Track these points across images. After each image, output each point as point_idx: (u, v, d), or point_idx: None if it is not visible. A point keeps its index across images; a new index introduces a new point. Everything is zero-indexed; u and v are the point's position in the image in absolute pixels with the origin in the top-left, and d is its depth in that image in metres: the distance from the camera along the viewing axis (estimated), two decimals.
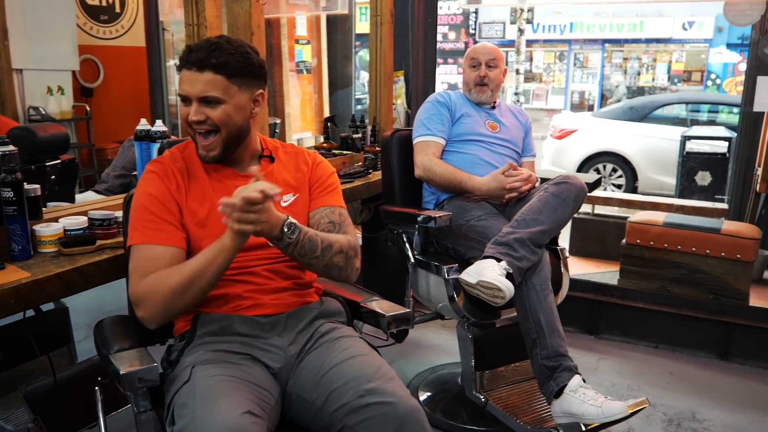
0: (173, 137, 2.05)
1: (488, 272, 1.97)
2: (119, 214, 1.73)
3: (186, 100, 1.47)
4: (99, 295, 2.29)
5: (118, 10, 5.17)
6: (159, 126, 2.03)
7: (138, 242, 1.44)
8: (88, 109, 4.77)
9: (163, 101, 5.04)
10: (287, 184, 1.61)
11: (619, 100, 15.08)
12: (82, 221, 1.71)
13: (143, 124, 2.04)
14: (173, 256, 1.44)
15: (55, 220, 1.72)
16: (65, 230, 1.68)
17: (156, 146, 1.99)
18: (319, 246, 1.46)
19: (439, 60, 14.98)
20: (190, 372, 1.36)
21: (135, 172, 2.48)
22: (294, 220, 1.39)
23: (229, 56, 1.44)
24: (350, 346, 1.49)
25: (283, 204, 1.58)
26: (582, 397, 1.90)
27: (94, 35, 5.03)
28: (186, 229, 1.49)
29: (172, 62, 5.01)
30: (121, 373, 1.28)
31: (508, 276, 1.98)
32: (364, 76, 11.42)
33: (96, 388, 1.45)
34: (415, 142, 2.49)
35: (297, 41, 4.97)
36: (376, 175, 2.88)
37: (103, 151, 4.74)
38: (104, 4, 5.09)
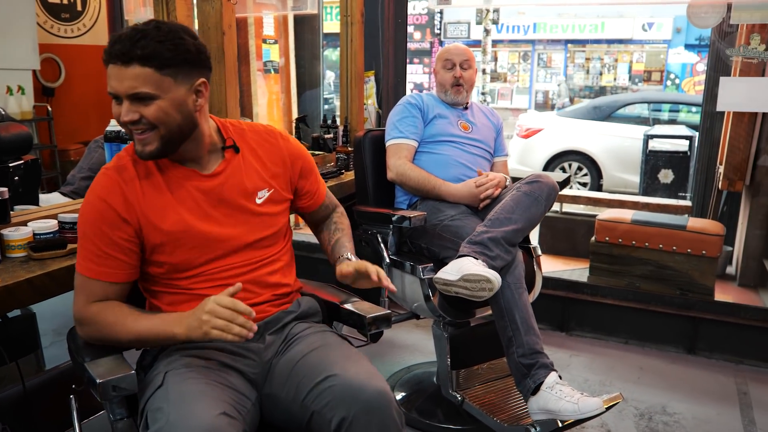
0: None
1: (471, 266, 1.98)
2: None
3: (116, 98, 1.31)
4: (65, 300, 2.23)
5: (79, 8, 5.05)
6: None
7: (80, 272, 1.38)
8: (50, 109, 4.65)
9: None
10: (259, 178, 1.51)
11: (569, 100, 15.37)
12: (52, 225, 1.67)
13: (113, 125, 1.99)
14: (116, 291, 1.39)
15: (24, 224, 1.67)
16: (35, 234, 1.64)
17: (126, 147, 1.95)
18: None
19: None
20: (163, 377, 1.34)
21: None
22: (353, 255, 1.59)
23: (158, 45, 1.27)
24: (320, 339, 1.49)
25: (258, 201, 1.49)
26: (558, 394, 1.92)
27: (55, 34, 4.91)
28: (144, 247, 1.40)
29: None
30: (97, 381, 1.24)
31: None
32: (329, 76, 11.38)
33: (71, 396, 1.41)
34: (387, 144, 2.49)
35: (265, 41, 4.92)
36: (349, 176, 2.87)
37: (66, 152, 4.63)
38: (65, 2, 4.97)
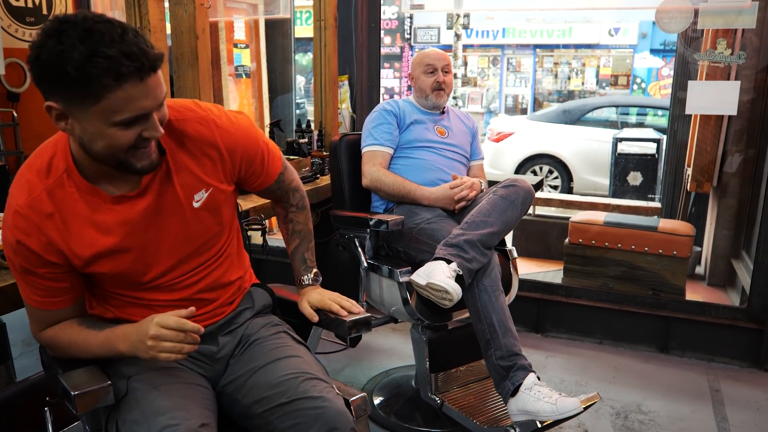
0: None
1: (437, 274, 1.98)
2: None
3: (142, 117, 1.12)
4: None
5: (45, 11, 4.96)
6: None
7: (26, 302, 1.31)
8: (15, 114, 4.55)
9: None
10: (195, 179, 1.33)
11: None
12: None
13: None
14: (66, 314, 1.33)
15: None
16: None
17: None
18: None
19: None
20: (126, 384, 1.30)
21: None
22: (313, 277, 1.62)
23: (149, 47, 1.11)
24: (278, 346, 1.47)
25: (195, 205, 1.33)
26: (537, 395, 1.94)
27: (19, 38, 4.80)
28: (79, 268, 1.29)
29: None
30: (72, 394, 1.22)
31: (458, 278, 2.00)
32: (299, 81, 11.35)
33: (45, 408, 1.38)
34: (363, 151, 2.49)
35: (236, 45, 4.89)
36: (325, 180, 2.86)
37: None
38: (30, 5, 4.87)
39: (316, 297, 1.60)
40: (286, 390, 1.34)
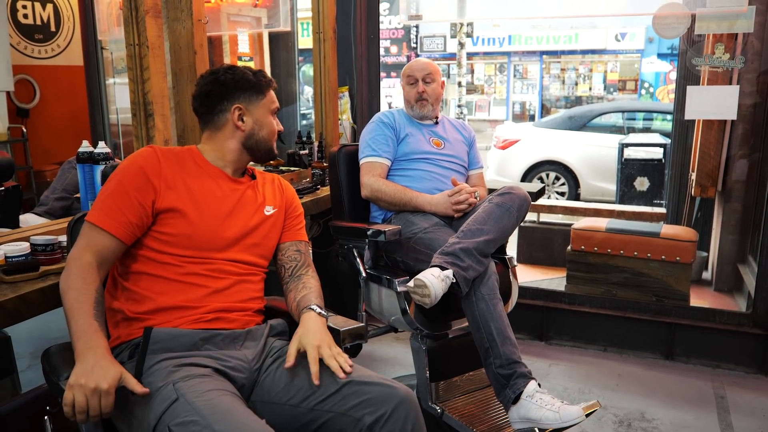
0: (117, 159, 2.01)
1: (425, 273, 2.00)
2: (63, 238, 1.68)
3: (277, 112, 1.75)
4: (42, 323, 2.21)
5: (53, 29, 5.04)
6: (102, 148, 1.99)
7: (89, 220, 1.48)
8: (25, 130, 4.63)
9: (104, 121, 4.91)
10: (269, 198, 1.74)
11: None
12: (23, 247, 1.66)
13: (85, 146, 1.99)
14: (109, 244, 1.46)
15: None
16: (6, 257, 1.63)
17: (100, 168, 1.95)
18: None
19: (383, 74, 15.09)
20: (174, 389, 1.30)
21: (77, 195, 2.42)
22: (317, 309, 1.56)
23: None
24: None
25: (266, 213, 1.69)
26: (539, 402, 1.93)
27: (28, 55, 4.89)
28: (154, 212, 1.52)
29: (111, 81, 4.90)
30: None
31: (453, 285, 2.01)
32: (308, 92, 11.42)
33: (45, 417, 1.40)
34: (360, 163, 2.51)
35: (240, 58, 4.94)
36: (325, 191, 2.88)
37: (42, 173, 4.59)
38: (39, 23, 4.95)
39: (310, 340, 1.45)
40: (342, 378, 1.39)
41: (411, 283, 2.03)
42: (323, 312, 1.56)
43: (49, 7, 4.97)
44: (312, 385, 1.40)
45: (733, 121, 3.58)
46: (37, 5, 4.89)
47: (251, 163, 1.76)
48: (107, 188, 1.51)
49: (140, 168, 1.52)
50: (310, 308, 1.55)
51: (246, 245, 1.62)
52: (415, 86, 2.55)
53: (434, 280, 1.97)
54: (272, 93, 1.73)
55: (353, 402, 1.36)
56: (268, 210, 1.70)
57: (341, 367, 1.39)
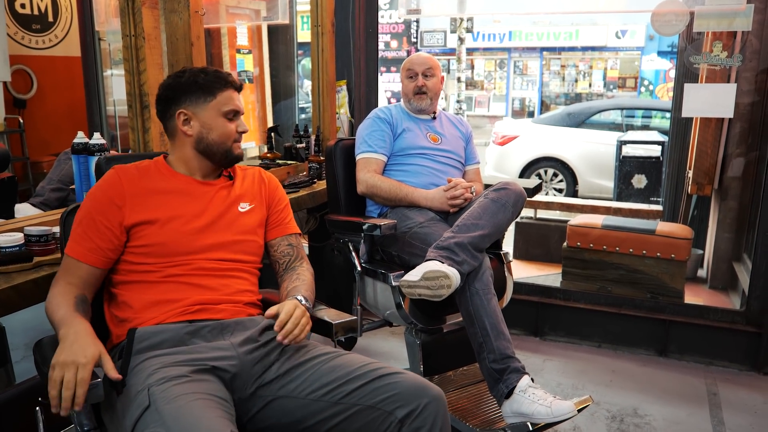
0: (113, 151, 2.01)
1: (433, 265, 2.00)
2: (57, 229, 1.68)
3: (237, 113, 1.65)
4: (37, 314, 2.21)
5: (51, 19, 5.02)
6: (97, 139, 1.98)
7: (66, 253, 1.50)
8: (21, 121, 4.61)
9: (101, 112, 4.90)
10: (244, 195, 1.70)
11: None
12: (17, 238, 1.66)
13: (80, 137, 1.99)
14: (82, 273, 1.47)
15: None
16: (0, 247, 1.62)
17: (94, 159, 1.94)
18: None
19: (382, 68, 15.09)
20: (148, 396, 1.29)
21: (72, 186, 2.41)
22: (303, 300, 1.53)
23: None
24: (325, 348, 1.52)
25: (240, 210, 1.66)
26: (532, 397, 1.94)
27: (26, 45, 4.87)
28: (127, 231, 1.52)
29: (109, 72, 4.88)
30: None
31: None
32: (307, 85, 11.40)
33: (37, 408, 1.40)
34: (357, 159, 2.51)
35: (238, 51, 4.92)
36: (321, 185, 2.88)
37: (38, 164, 4.58)
38: (36, 13, 4.93)
39: (287, 308, 1.49)
40: (368, 371, 1.41)
41: (417, 276, 2.01)
42: (308, 304, 1.55)
43: None
44: (341, 374, 1.41)
45: (730, 119, 3.58)
46: None
47: (239, 163, 1.72)
48: (77, 217, 1.52)
49: (103, 192, 1.53)
50: (296, 298, 1.54)
51: (223, 244, 1.59)
52: (414, 80, 2.54)
53: (449, 267, 1.98)
54: (229, 93, 1.62)
55: (383, 395, 1.37)
56: (243, 207, 1.67)
57: (292, 334, 1.43)
